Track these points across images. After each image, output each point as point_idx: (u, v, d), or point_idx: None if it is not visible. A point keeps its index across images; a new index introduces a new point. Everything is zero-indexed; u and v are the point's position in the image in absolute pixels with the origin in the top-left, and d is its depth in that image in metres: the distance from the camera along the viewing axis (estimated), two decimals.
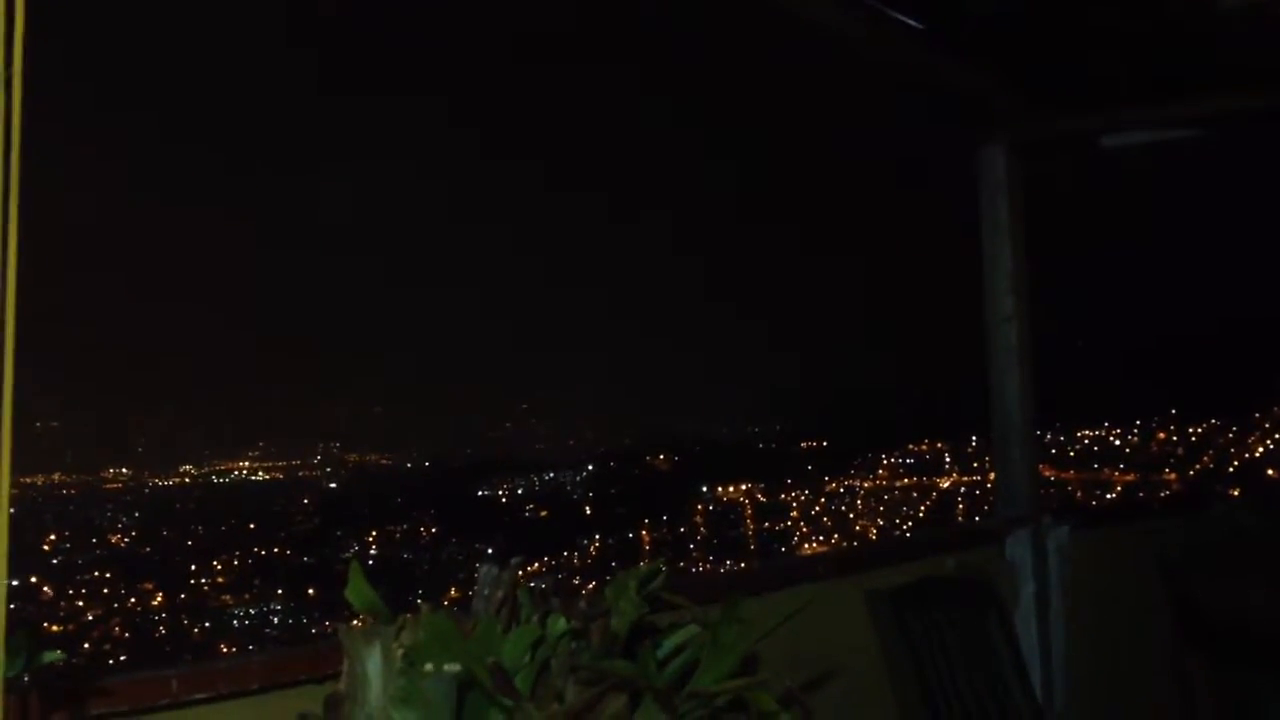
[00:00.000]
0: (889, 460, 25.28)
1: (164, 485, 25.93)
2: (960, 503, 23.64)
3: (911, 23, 3.56)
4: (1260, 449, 22.99)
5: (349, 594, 1.75)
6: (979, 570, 3.75)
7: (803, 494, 25.22)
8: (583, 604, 1.84)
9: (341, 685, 1.66)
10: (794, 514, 24.93)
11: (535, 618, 1.78)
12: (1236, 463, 22.59)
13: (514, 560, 1.85)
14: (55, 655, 1.34)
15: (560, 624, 1.77)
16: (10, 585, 1.10)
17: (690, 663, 1.92)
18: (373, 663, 1.64)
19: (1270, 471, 21.99)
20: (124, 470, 25.93)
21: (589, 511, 24.81)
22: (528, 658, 1.73)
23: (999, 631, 3.63)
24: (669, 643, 1.96)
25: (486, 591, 1.80)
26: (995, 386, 4.31)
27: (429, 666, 1.62)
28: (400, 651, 1.64)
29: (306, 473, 27.20)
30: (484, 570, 1.83)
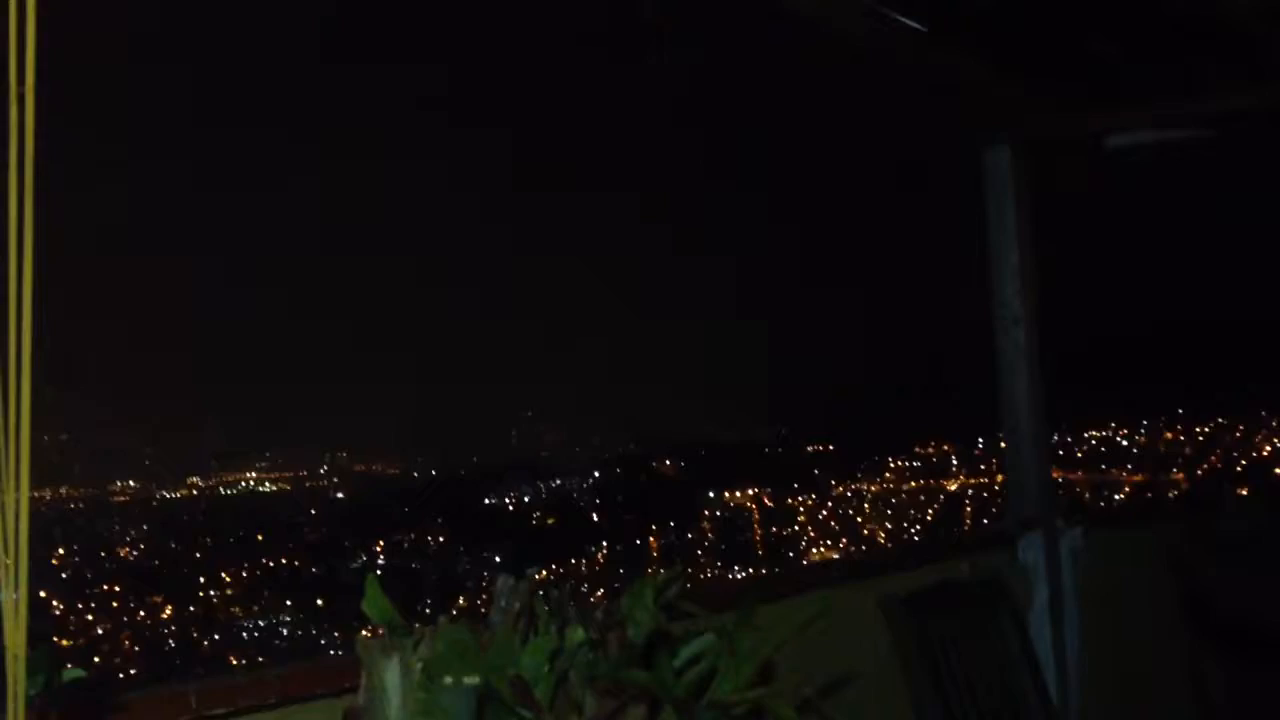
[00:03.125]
0: (896, 463, 25.26)
1: (171, 498, 25.96)
2: (968, 504, 23.61)
3: (914, 25, 3.56)
4: (1268, 448, 22.95)
5: (365, 607, 1.74)
6: (993, 574, 3.74)
7: (810, 498, 25.21)
8: (600, 614, 1.84)
9: (360, 699, 1.66)
10: (801, 518, 24.92)
11: (553, 628, 1.78)
12: (1244, 462, 22.56)
13: (530, 570, 1.85)
14: (76, 673, 1.34)
15: (578, 634, 1.76)
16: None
17: (707, 672, 1.92)
18: (391, 676, 1.63)
19: (1279, 470, 21.95)
20: (131, 483, 25.97)
21: (596, 519, 24.80)
22: (546, 668, 1.72)
23: (1014, 635, 3.62)
24: (685, 651, 1.95)
25: (504, 602, 1.79)
26: (1004, 389, 4.29)
27: (448, 679, 1.61)
28: (419, 664, 1.63)
29: (314, 483, 27.21)
30: (501, 581, 1.83)
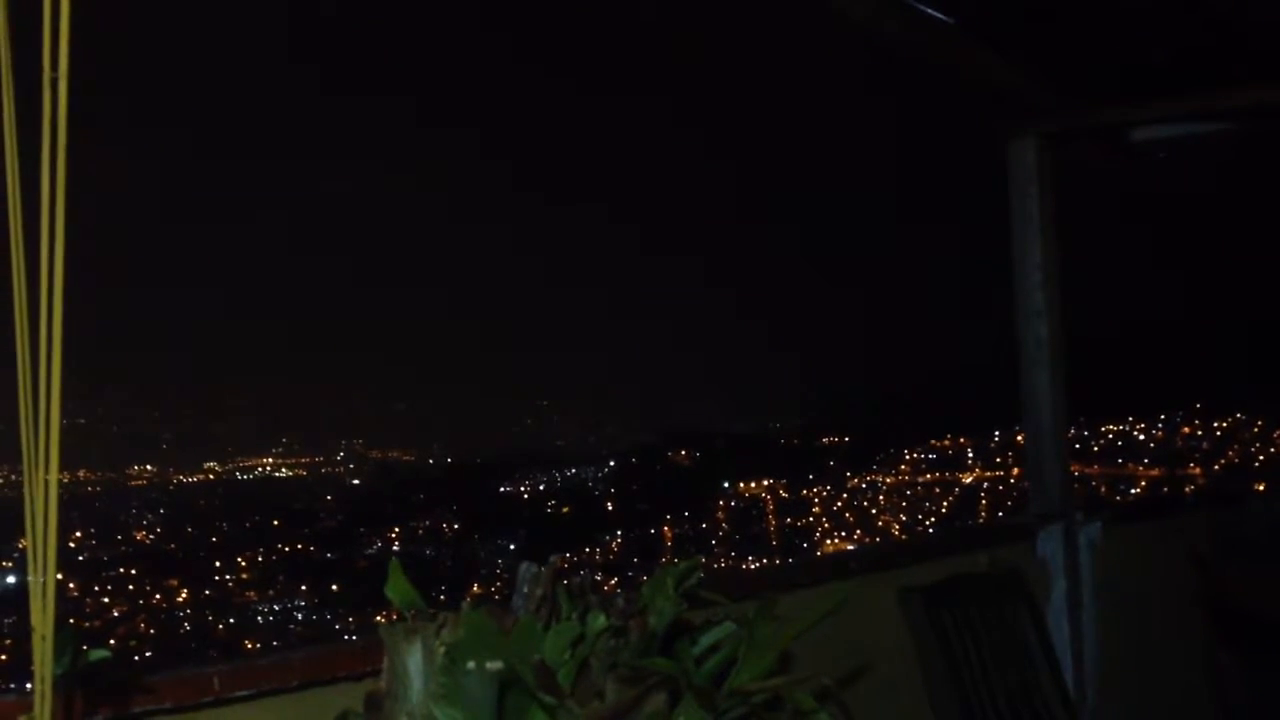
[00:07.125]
0: (911, 455, 25.21)
1: (189, 482, 26.10)
2: (983, 497, 23.55)
3: (941, 16, 3.54)
4: None
5: (389, 591, 1.75)
6: (1011, 567, 3.73)
7: (825, 490, 25.18)
8: (621, 601, 1.84)
9: (382, 682, 1.66)
10: (816, 510, 24.90)
11: (574, 615, 1.78)
12: (1262, 457, 22.43)
13: (552, 558, 1.85)
14: (101, 654, 1.34)
15: (600, 621, 1.76)
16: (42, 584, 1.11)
17: (727, 660, 1.92)
18: (414, 660, 1.64)
19: None
20: (149, 467, 26.11)
21: (611, 508, 24.82)
22: (568, 655, 1.72)
23: (1031, 628, 3.61)
24: (706, 640, 1.95)
25: (526, 589, 1.79)
26: (1026, 382, 4.27)
27: (471, 664, 1.61)
28: (442, 649, 1.64)
29: (330, 469, 27.33)
30: (523, 567, 1.83)
